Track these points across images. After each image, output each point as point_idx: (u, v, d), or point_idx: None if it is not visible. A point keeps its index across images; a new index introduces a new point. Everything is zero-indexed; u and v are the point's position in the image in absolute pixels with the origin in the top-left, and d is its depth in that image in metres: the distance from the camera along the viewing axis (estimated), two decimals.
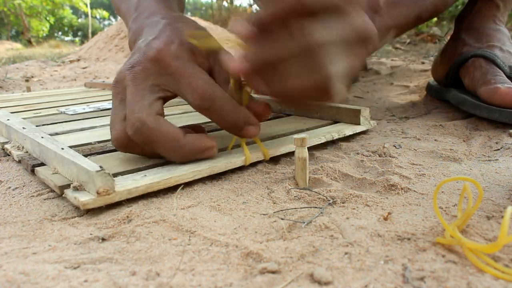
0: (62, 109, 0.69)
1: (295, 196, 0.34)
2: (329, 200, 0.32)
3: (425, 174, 0.38)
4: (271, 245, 0.26)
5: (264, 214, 0.31)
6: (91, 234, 0.28)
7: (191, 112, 0.65)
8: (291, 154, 0.43)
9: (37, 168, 0.38)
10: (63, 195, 0.33)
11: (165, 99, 0.38)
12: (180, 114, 0.63)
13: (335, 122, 0.54)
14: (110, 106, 0.71)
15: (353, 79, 0.95)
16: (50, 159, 0.38)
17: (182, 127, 0.40)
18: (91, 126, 0.55)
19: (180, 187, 0.35)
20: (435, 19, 2.75)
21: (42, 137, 0.41)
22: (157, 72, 0.37)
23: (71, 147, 0.42)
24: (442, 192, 0.34)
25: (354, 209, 0.31)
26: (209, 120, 0.57)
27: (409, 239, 0.26)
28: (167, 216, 0.30)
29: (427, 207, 0.31)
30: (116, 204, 0.32)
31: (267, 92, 0.34)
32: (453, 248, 0.24)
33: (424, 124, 0.56)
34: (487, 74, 0.56)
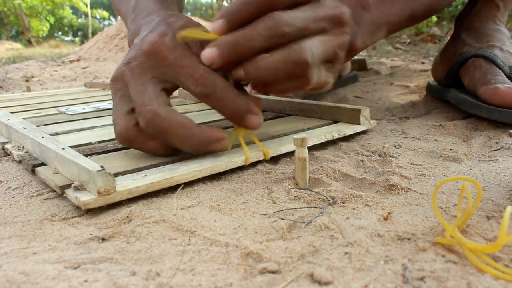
0: (62, 109, 0.69)
1: (295, 196, 0.34)
2: (329, 200, 0.32)
3: (425, 174, 0.38)
4: (271, 245, 0.26)
5: (264, 214, 0.31)
6: (91, 234, 0.28)
7: (191, 112, 0.65)
8: (291, 154, 0.44)
9: (37, 168, 0.38)
10: (64, 195, 0.33)
11: (167, 91, 0.39)
12: None
13: (335, 122, 0.54)
14: (110, 106, 0.71)
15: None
16: (51, 159, 0.38)
17: None
18: (91, 126, 0.55)
19: (180, 187, 0.35)
20: (435, 19, 2.75)
21: (42, 137, 0.41)
22: (154, 65, 0.37)
23: (71, 147, 0.42)
24: (442, 192, 0.34)
25: (354, 209, 0.31)
26: (210, 120, 0.58)
27: (409, 239, 0.26)
28: (167, 216, 0.30)
29: (427, 207, 0.31)
30: (116, 204, 0.32)
31: (245, 78, 0.35)
32: (453, 248, 0.24)
33: (424, 124, 0.56)
34: (487, 74, 0.56)
